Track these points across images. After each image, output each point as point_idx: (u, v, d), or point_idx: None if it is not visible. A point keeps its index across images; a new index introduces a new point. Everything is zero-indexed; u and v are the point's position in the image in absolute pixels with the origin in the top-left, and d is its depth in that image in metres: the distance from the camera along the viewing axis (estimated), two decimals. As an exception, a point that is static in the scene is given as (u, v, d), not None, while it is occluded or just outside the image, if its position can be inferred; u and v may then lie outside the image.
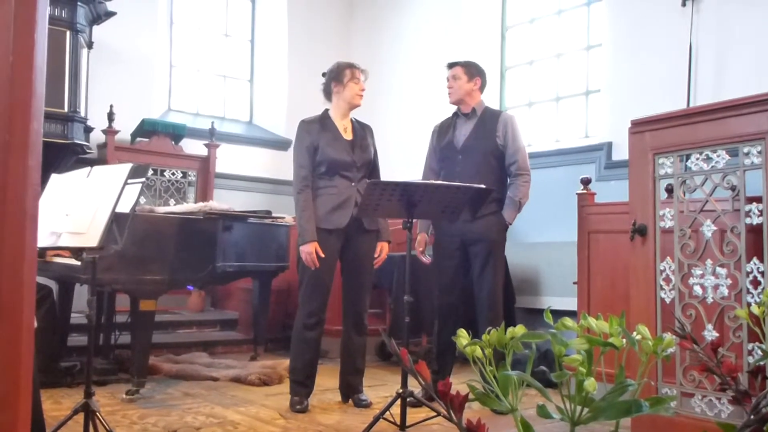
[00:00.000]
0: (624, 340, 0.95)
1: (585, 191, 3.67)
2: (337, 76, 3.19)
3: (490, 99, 5.62)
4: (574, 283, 3.69)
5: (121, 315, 3.88)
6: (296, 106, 6.11)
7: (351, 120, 3.25)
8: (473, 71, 3.38)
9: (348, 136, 3.19)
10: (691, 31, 4.16)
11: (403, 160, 5.58)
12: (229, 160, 6.05)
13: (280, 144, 6.35)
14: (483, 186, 2.81)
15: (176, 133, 5.65)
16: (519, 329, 1.01)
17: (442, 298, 3.33)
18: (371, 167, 3.24)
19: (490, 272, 3.23)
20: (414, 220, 2.76)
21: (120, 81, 5.54)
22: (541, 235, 4.99)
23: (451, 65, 3.38)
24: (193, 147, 5.81)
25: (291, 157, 3.25)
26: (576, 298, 3.58)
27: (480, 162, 3.28)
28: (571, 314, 4.18)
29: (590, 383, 0.91)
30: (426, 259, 3.38)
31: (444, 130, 3.41)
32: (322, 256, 3.04)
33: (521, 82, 5.78)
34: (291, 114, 6.23)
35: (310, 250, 3.03)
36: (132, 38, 5.65)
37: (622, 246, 3.01)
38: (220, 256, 3.53)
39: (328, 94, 3.23)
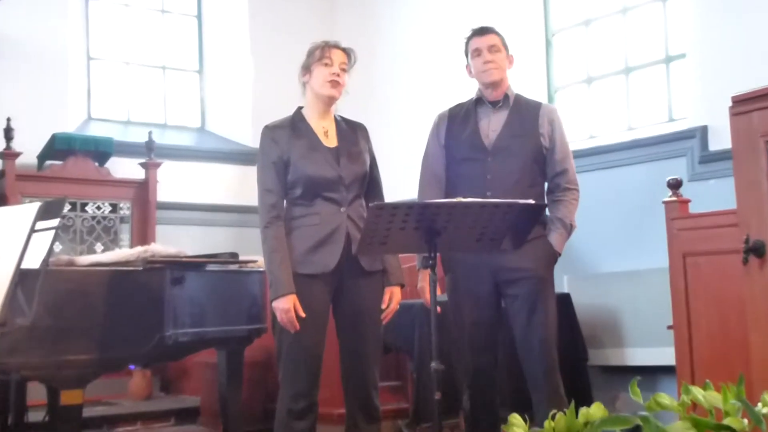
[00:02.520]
0: (746, 421, 0.91)
1: (674, 198, 3.65)
2: (305, 61, 3.22)
3: (532, 76, 5.74)
4: (669, 327, 3.66)
5: (36, 411, 3.85)
6: (265, 105, 6.09)
7: (335, 119, 3.27)
8: (506, 44, 3.40)
9: (331, 141, 3.20)
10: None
11: (408, 174, 5.59)
12: (175, 183, 6.15)
13: (244, 157, 6.38)
14: (534, 202, 2.82)
15: (100, 150, 5.77)
16: (596, 410, 0.98)
17: (473, 362, 3.32)
18: (367, 183, 3.24)
19: (540, 321, 3.22)
20: (437, 255, 2.76)
21: (19, 83, 5.58)
22: (617, 263, 4.98)
23: (483, 31, 3.40)
24: (125, 168, 5.87)
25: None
26: (673, 348, 3.57)
27: (521, 168, 3.29)
28: (668, 371, 4.17)
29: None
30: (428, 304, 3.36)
31: (459, 120, 3.42)
32: (303, 316, 3.02)
33: (574, 51, 5.84)
34: (258, 115, 6.22)
35: (286, 307, 3.01)
36: (33, 24, 5.72)
37: (732, 272, 2.99)
38: (170, 321, 3.50)
39: (303, 87, 3.26)
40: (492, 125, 3.36)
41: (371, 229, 2.66)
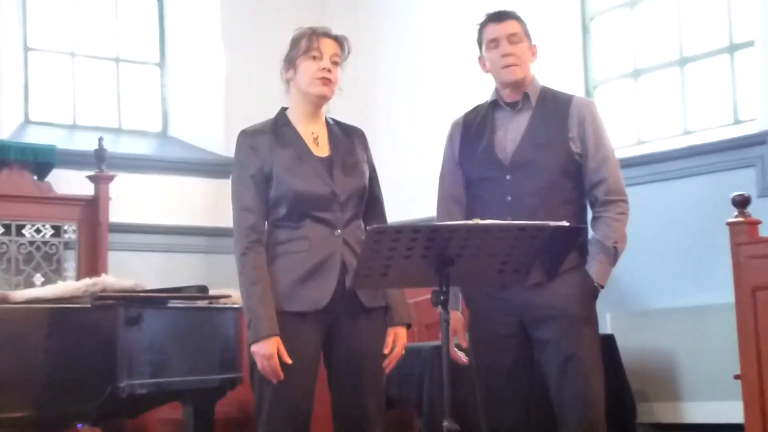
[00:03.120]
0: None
1: (741, 218, 3.66)
2: (288, 53, 3.25)
3: (566, 69, 5.78)
4: (736, 377, 3.65)
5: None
6: (241, 105, 6.21)
7: (326, 122, 3.30)
8: (529, 32, 3.42)
9: (322, 150, 3.22)
10: None
11: (416, 190, 5.61)
12: (132, 200, 6.12)
13: (216, 169, 6.39)
14: (567, 224, 2.83)
15: (40, 161, 5.71)
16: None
17: (495, 418, 3.32)
18: (367, 200, 3.27)
19: (577, 371, 3.19)
20: (451, 289, 2.77)
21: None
22: (671, 297, 4.98)
23: (501, 16, 3.41)
24: (71, 183, 5.86)
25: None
26: (741, 403, 3.55)
27: (547, 185, 3.28)
28: (734, 431, 4.16)
29: None
30: (462, 358, 3.36)
31: (473, 130, 3.43)
32: (289, 362, 3.04)
33: (618, 38, 5.81)
34: (232, 117, 6.30)
35: (268, 352, 3.01)
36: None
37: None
38: (124, 369, 3.50)
39: (286, 84, 3.29)
40: (510, 134, 3.34)
41: (370, 257, 2.66)
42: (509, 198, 3.27)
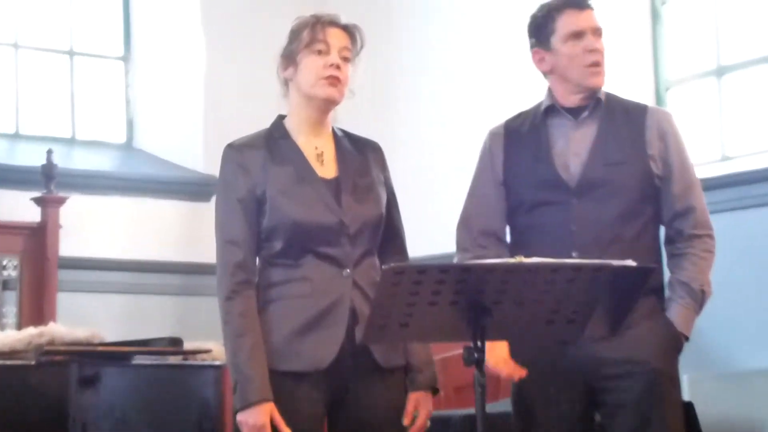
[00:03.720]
0: None
1: None
2: (286, 47, 3.25)
3: (631, 65, 5.78)
4: None
5: None
6: (224, 111, 6.34)
7: (333, 134, 3.30)
8: None
9: (328, 169, 3.21)
10: None
11: (444, 219, 5.60)
12: (87, 228, 6.17)
13: (194, 190, 6.49)
14: (635, 264, 2.80)
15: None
16: None
17: None
18: (383, 231, 3.26)
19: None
20: (486, 344, 2.76)
21: None
22: (762, 357, 5.00)
23: (583, 2, 3.39)
24: (11, 206, 5.89)
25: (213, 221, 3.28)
26: None
27: (625, 211, 3.29)
28: None
29: None
30: (519, 371, 3.32)
31: (522, 142, 3.43)
32: (287, 432, 3.03)
33: (696, 27, 5.84)
34: (214, 127, 6.38)
35: (260, 422, 2.99)
36: None
37: None
38: (77, 440, 3.53)
39: (283, 84, 3.29)
40: (574, 147, 3.35)
41: (386, 303, 2.64)
42: (574, 228, 3.26)
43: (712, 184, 5.01)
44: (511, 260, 2.71)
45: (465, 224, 3.50)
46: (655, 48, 5.95)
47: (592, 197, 3.29)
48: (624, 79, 5.04)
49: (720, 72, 5.75)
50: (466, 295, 2.66)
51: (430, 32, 6.50)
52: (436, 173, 6.24)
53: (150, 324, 5.68)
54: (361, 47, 3.27)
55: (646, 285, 3.15)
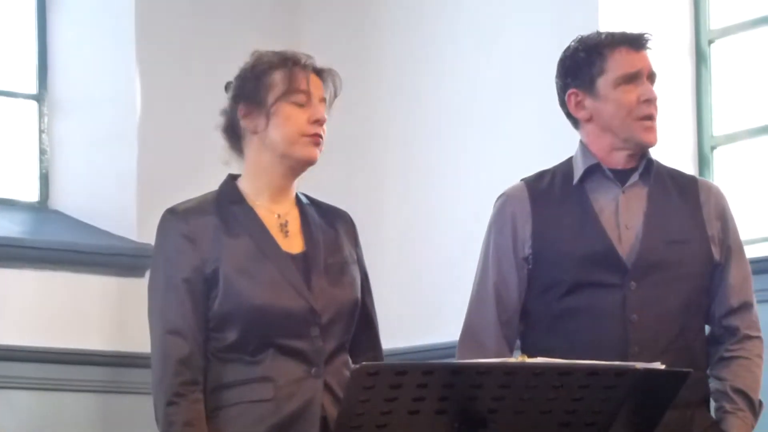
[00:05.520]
0: None
1: None
2: (250, 89, 3.28)
3: (671, 119, 5.80)
4: None
5: None
6: (163, 166, 6.37)
7: (297, 200, 3.34)
8: None
9: (293, 242, 3.25)
10: None
11: (432, 306, 5.67)
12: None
13: (124, 262, 6.43)
14: (663, 367, 2.84)
15: None
16: None
17: None
18: (357, 321, 3.29)
19: None
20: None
21: None
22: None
23: (643, 42, 3.44)
24: None
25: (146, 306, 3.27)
26: None
27: (688, 301, 3.38)
28: None
29: None
30: None
31: (553, 206, 3.47)
32: None
33: (748, 75, 5.86)
34: (149, 185, 6.36)
35: None
36: None
37: None
38: None
39: (233, 137, 3.32)
40: (625, 216, 3.41)
41: (356, 411, 2.68)
42: (635, 317, 3.30)
43: (760, 268, 5.06)
44: (512, 360, 2.74)
45: (477, 305, 3.51)
46: (699, 97, 5.95)
47: (654, 281, 3.33)
48: (660, 136, 5.09)
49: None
50: (455, 403, 2.72)
51: (426, 67, 6.51)
52: (423, 246, 6.27)
53: (66, 428, 5.66)
54: (335, 96, 3.33)
55: (702, 393, 3.22)
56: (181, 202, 3.23)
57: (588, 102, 3.34)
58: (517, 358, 2.73)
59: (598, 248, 3.31)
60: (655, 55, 5.87)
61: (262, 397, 3.11)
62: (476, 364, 2.72)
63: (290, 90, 3.17)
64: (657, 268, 3.30)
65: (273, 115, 3.18)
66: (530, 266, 3.41)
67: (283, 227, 3.23)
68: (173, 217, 3.21)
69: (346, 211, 3.40)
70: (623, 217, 3.34)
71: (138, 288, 5.84)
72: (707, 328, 3.46)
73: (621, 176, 3.36)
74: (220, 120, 3.34)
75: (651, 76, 3.38)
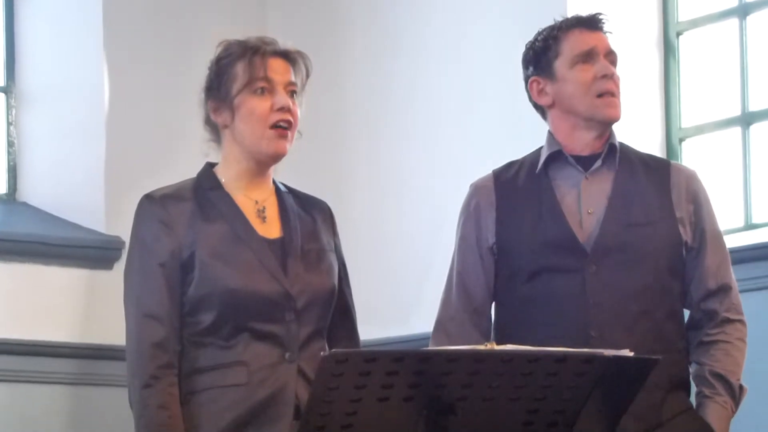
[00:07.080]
0: None
1: None
2: (216, 84, 3.27)
3: (638, 108, 5.85)
4: None
5: None
6: (136, 155, 6.37)
7: (275, 187, 3.33)
8: None
9: (270, 227, 3.25)
10: None
11: (409, 297, 5.72)
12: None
13: (93, 254, 6.44)
14: (632, 354, 2.81)
15: None
16: None
17: None
18: (334, 309, 3.29)
19: None
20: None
21: None
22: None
23: (597, 22, 3.45)
24: None
25: (122, 293, 3.27)
26: None
27: (650, 284, 3.37)
28: None
29: None
30: None
31: (518, 196, 3.47)
32: None
33: (717, 62, 5.90)
34: (119, 175, 6.39)
35: None
36: None
37: None
38: None
39: (213, 130, 3.32)
40: (587, 202, 3.41)
41: (325, 399, 2.65)
42: (592, 302, 3.30)
43: (735, 258, 5.07)
44: (480, 347, 2.74)
45: (449, 298, 3.51)
46: (667, 88, 6.01)
47: (613, 264, 3.34)
48: (627, 127, 5.09)
49: (747, 120, 5.76)
50: (424, 390, 2.70)
51: (395, 55, 6.55)
52: (396, 238, 6.28)
53: (36, 421, 5.65)
54: (307, 77, 3.31)
55: (676, 377, 3.22)
56: (158, 189, 3.23)
57: (549, 87, 3.36)
58: (486, 345, 2.72)
59: (557, 234, 3.33)
60: (623, 47, 5.91)
61: (236, 381, 3.11)
62: (445, 351, 2.73)
63: (250, 80, 3.16)
64: (617, 251, 3.32)
65: (237, 109, 3.18)
66: (496, 256, 3.40)
67: (261, 213, 3.23)
68: (150, 202, 3.21)
69: (325, 201, 3.39)
70: (585, 203, 3.36)
71: (107, 280, 5.94)
72: (687, 313, 3.44)
73: (585, 162, 3.37)
74: (197, 112, 3.30)
75: (609, 55, 3.39)
